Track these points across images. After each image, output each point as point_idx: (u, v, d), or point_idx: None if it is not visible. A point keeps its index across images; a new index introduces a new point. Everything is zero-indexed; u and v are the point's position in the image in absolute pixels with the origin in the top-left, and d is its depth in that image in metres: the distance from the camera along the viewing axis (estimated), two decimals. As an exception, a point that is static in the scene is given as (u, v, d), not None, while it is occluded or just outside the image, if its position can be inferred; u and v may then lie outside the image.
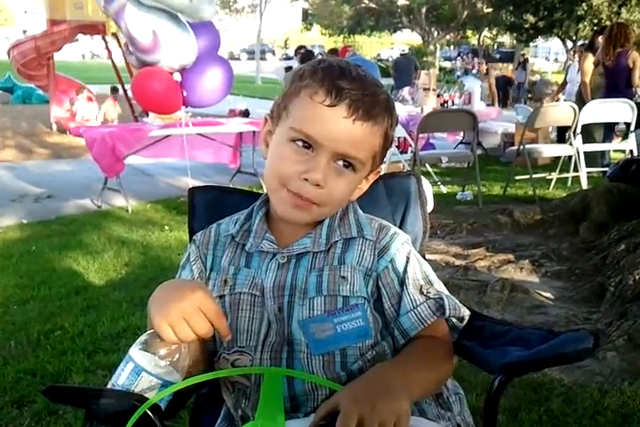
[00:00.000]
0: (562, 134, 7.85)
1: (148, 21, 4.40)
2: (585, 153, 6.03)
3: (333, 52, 10.89)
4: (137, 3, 4.36)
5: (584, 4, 17.15)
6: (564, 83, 8.88)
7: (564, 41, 23.24)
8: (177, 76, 5.08)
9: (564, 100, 8.21)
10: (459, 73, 21.00)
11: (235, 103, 8.57)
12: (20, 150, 8.83)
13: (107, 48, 9.87)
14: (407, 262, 1.10)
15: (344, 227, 1.12)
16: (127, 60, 5.11)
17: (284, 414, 0.87)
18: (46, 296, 3.49)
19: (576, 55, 8.78)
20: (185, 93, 5.13)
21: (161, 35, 4.48)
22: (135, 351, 0.91)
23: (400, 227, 1.32)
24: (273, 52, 45.72)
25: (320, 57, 1.22)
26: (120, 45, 7.79)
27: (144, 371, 0.89)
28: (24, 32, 21.76)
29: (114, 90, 10.41)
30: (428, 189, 4.57)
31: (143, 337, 0.93)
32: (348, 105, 0.99)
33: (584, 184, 5.95)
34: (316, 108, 1.00)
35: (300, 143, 1.01)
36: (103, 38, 9.67)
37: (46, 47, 8.93)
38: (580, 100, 6.75)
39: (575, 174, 6.16)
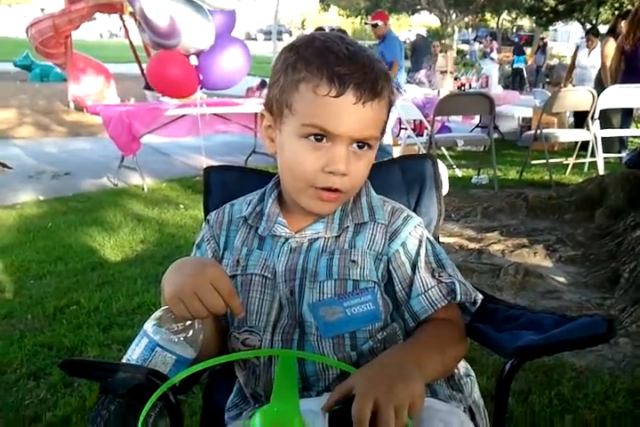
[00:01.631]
0: (579, 119, 7.77)
1: (165, 5, 4.37)
2: (602, 138, 5.97)
3: (320, 30, 10.77)
4: None
5: (606, -13, 16.87)
6: (572, 67, 8.73)
7: (583, 25, 22.88)
8: (193, 60, 5.05)
9: (573, 86, 8.13)
10: (469, 56, 20.77)
11: (252, 84, 8.54)
12: (37, 128, 8.87)
13: (124, 27, 9.83)
14: (419, 246, 1.09)
15: (356, 211, 1.11)
16: (142, 38, 5.06)
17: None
18: (62, 272, 3.53)
19: (586, 40, 8.62)
20: (201, 77, 5.11)
21: (179, 19, 4.44)
22: (149, 327, 0.92)
23: (415, 209, 1.32)
24: (290, 33, 45.36)
25: (303, 35, 1.13)
26: (137, 25, 7.77)
27: (158, 346, 0.91)
28: (42, 10, 21.76)
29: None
30: (443, 171, 4.56)
31: (157, 313, 0.94)
32: (354, 91, 0.96)
33: (601, 170, 5.90)
34: (322, 100, 0.96)
35: (313, 138, 0.99)
36: (121, 17, 9.62)
37: (64, 25, 8.89)
38: (599, 85, 6.67)
39: (592, 160, 6.11)
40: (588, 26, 22.11)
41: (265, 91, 1.10)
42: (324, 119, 0.97)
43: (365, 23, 7.44)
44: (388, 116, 1.06)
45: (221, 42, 4.95)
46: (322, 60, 0.97)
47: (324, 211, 1.07)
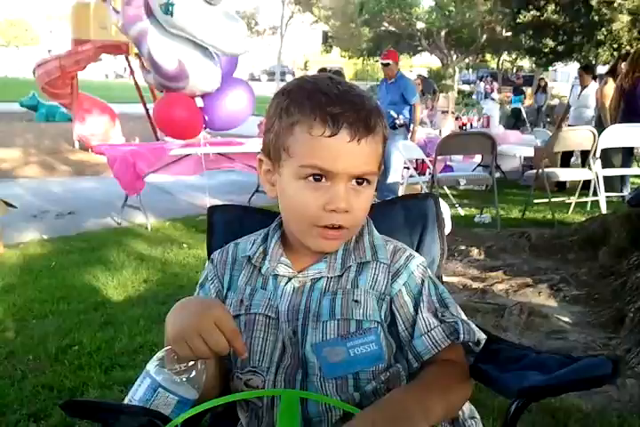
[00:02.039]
0: (566, 159, 7.78)
1: (172, 48, 4.42)
2: (604, 177, 6.00)
3: (323, 71, 10.91)
4: (161, 29, 4.38)
5: (604, 29, 17.13)
6: (568, 107, 8.82)
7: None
8: (199, 102, 5.10)
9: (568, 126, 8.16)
10: (475, 96, 21.03)
11: (256, 123, 8.63)
12: (42, 167, 8.94)
13: (129, 68, 10.03)
14: (422, 285, 1.09)
15: (359, 250, 1.11)
16: (145, 79, 5.12)
17: None
18: (65, 311, 3.52)
19: (578, 77, 8.65)
20: (207, 118, 5.16)
21: (187, 62, 4.50)
22: (152, 367, 0.92)
23: (417, 248, 1.32)
24: (293, 74, 46.10)
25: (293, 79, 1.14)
26: (141, 66, 7.90)
27: (160, 387, 0.90)
28: (49, 51, 22.17)
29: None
30: (445, 211, 4.57)
31: (160, 353, 0.93)
32: (347, 129, 0.98)
33: (603, 209, 5.92)
34: (317, 141, 0.98)
35: (312, 178, 1.00)
36: (126, 58, 9.83)
37: (70, 66, 9.08)
38: (599, 125, 6.75)
39: (594, 199, 6.12)
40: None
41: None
42: (321, 159, 0.99)
43: (376, 61, 7.39)
44: (384, 151, 1.07)
45: (226, 83, 5.01)
46: (313, 101, 0.98)
47: (330, 248, 1.08)
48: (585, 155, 6.52)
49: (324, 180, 1.00)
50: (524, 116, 15.96)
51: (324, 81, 1.03)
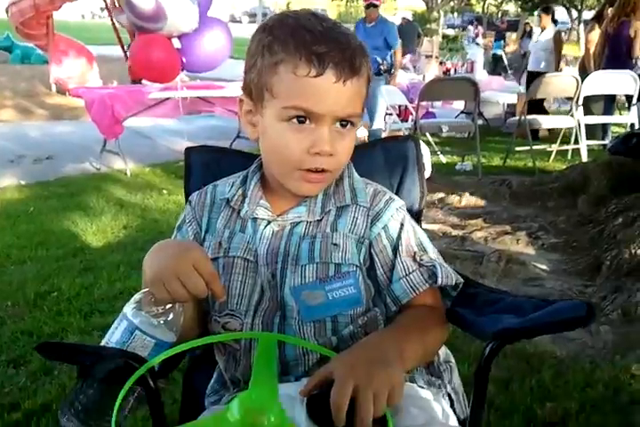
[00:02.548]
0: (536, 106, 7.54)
1: None
2: (585, 125, 6.00)
3: None
4: None
5: (592, -27, 16.89)
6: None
7: (569, 10, 22.96)
8: (176, 43, 4.97)
9: (528, 70, 8.02)
10: (466, 41, 20.68)
11: (237, 67, 8.47)
12: (18, 111, 8.77)
13: (107, 8, 9.70)
14: (401, 229, 1.09)
15: (338, 194, 1.10)
16: (117, 20, 4.93)
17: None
18: (43, 257, 3.51)
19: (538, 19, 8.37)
20: (184, 60, 5.03)
21: (164, 2, 4.37)
22: (129, 310, 0.91)
23: (397, 192, 1.31)
24: (275, 16, 45.07)
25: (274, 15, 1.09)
26: (113, 6, 7.57)
27: (137, 329, 0.89)
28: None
29: None
30: (426, 154, 4.56)
31: (137, 296, 0.92)
32: (333, 69, 0.95)
33: (584, 157, 5.94)
34: (302, 81, 0.95)
35: (296, 120, 0.98)
36: (103, -2, 9.50)
37: (45, 5, 8.76)
38: (583, 71, 6.70)
39: (575, 147, 6.14)
40: (574, 11, 22.19)
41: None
42: (306, 100, 0.96)
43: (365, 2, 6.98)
44: (367, 92, 1.05)
45: (202, 24, 4.87)
46: (298, 39, 0.95)
47: (312, 192, 1.06)
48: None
49: (307, 122, 0.98)
50: (505, 62, 15.79)
51: (307, 16, 0.99)
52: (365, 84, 1.02)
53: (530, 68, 8.00)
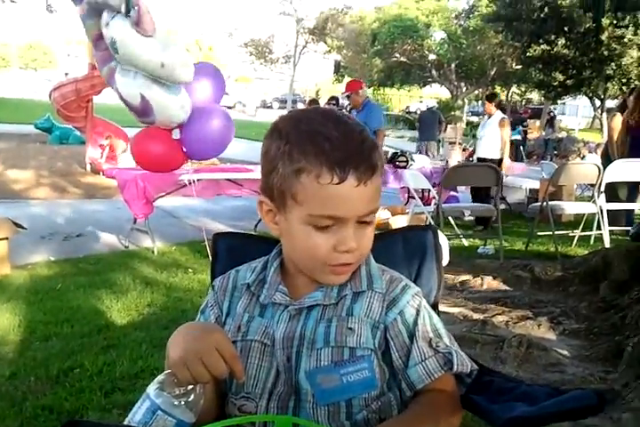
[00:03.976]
0: (477, 193, 7.58)
1: (135, 85, 4.40)
2: (609, 211, 6.03)
3: (314, 102, 10.98)
4: (124, 68, 4.39)
5: (613, 64, 17.34)
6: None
7: (591, 99, 23.38)
8: (175, 134, 5.05)
9: (477, 157, 8.00)
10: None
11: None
12: (53, 189, 9.05)
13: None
14: (417, 315, 1.11)
15: (355, 280, 1.13)
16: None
17: None
18: (69, 334, 3.55)
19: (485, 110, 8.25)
20: (185, 149, 5.08)
21: (149, 97, 4.47)
22: (152, 390, 0.95)
23: (415, 279, 1.34)
24: (304, 102, 46.53)
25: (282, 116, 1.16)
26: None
27: (159, 409, 0.93)
28: (66, 74, 22.45)
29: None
30: (444, 243, 4.59)
31: (161, 377, 0.97)
32: (354, 174, 0.99)
33: (607, 243, 5.93)
34: (326, 189, 0.98)
35: (323, 223, 1.02)
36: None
37: (86, 90, 9.24)
38: (606, 158, 6.80)
39: (598, 232, 6.14)
40: (597, 100, 22.61)
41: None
42: (332, 208, 1.00)
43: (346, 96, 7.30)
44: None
45: (199, 113, 4.92)
46: (316, 147, 0.99)
47: (339, 281, 1.10)
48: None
49: (332, 223, 1.02)
50: (521, 149, 16.08)
51: (319, 120, 1.03)
52: (381, 176, 1.06)
53: (480, 154, 7.94)
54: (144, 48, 4.11)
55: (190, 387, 0.96)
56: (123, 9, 3.94)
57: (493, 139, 7.65)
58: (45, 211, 7.56)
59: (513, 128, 18.05)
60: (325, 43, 38.00)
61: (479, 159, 7.85)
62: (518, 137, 17.56)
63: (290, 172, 1.00)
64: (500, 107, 8.17)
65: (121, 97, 4.59)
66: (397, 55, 31.30)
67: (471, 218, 7.52)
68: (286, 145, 1.01)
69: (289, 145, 1.01)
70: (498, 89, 34.35)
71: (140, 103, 4.48)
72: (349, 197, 1.00)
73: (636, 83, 15.35)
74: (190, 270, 4.99)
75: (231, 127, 5.19)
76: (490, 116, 7.85)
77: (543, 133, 20.45)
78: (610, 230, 6.00)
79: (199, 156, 5.35)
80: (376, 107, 7.36)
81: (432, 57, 31.21)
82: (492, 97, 8.12)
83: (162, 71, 4.20)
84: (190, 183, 5.51)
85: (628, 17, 16.29)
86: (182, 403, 0.94)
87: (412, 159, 7.85)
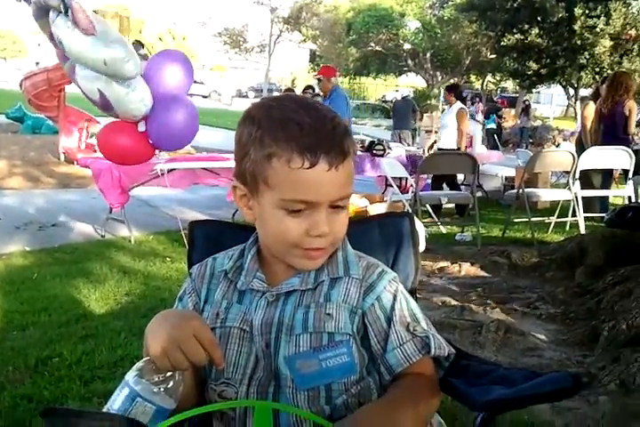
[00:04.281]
0: (437, 182, 7.52)
1: (92, 80, 4.38)
2: (584, 198, 6.11)
3: (289, 91, 10.93)
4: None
5: (586, 53, 17.48)
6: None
7: (565, 88, 23.59)
8: (141, 126, 4.99)
9: (438, 148, 8.00)
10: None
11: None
12: (27, 179, 8.92)
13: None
14: (394, 300, 1.12)
15: (332, 266, 1.13)
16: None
17: None
18: (46, 323, 3.52)
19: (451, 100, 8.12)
20: (151, 141, 5.02)
21: (105, 91, 4.44)
22: (131, 377, 0.95)
23: (392, 265, 1.35)
24: (280, 91, 46.28)
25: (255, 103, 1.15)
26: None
27: (139, 396, 0.93)
28: (37, 64, 22.12)
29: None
30: (420, 230, 4.62)
31: (139, 364, 0.97)
32: (325, 158, 1.00)
33: (582, 229, 6.01)
34: (297, 173, 0.99)
35: (294, 208, 1.03)
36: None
37: (58, 79, 9.07)
38: (580, 146, 6.88)
39: (573, 219, 6.22)
40: (571, 89, 22.82)
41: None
42: (304, 193, 1.01)
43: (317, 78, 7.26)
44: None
45: (163, 104, 4.83)
46: (287, 133, 1.00)
47: (313, 266, 1.10)
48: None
49: (305, 207, 1.03)
50: (496, 137, 16.21)
51: (291, 106, 1.04)
52: (353, 160, 1.06)
53: (440, 145, 7.93)
54: (85, 46, 4.09)
55: (169, 374, 0.96)
56: (62, 9, 3.89)
57: (453, 130, 7.67)
58: (19, 201, 7.45)
59: (487, 117, 18.24)
60: (300, 32, 37.78)
61: (439, 149, 7.85)
62: (493, 126, 17.68)
63: (261, 156, 1.02)
64: (461, 98, 8.19)
65: (82, 92, 4.56)
66: (373, 44, 31.27)
67: (448, 205, 7.57)
68: (258, 131, 1.02)
69: (261, 131, 1.02)
70: (473, 78, 34.56)
71: (99, 98, 4.46)
72: (321, 182, 1.00)
73: (609, 72, 15.48)
74: (168, 259, 4.97)
75: (195, 116, 5.10)
76: (451, 105, 7.86)
77: (518, 122, 20.62)
78: (585, 217, 6.08)
79: (167, 147, 5.28)
80: (342, 96, 7.30)
81: (407, 46, 31.20)
82: (451, 87, 8.18)
83: (106, 68, 4.19)
84: (163, 174, 5.46)
85: (600, 7, 16.48)
86: (161, 390, 0.94)
87: (390, 148, 7.88)
